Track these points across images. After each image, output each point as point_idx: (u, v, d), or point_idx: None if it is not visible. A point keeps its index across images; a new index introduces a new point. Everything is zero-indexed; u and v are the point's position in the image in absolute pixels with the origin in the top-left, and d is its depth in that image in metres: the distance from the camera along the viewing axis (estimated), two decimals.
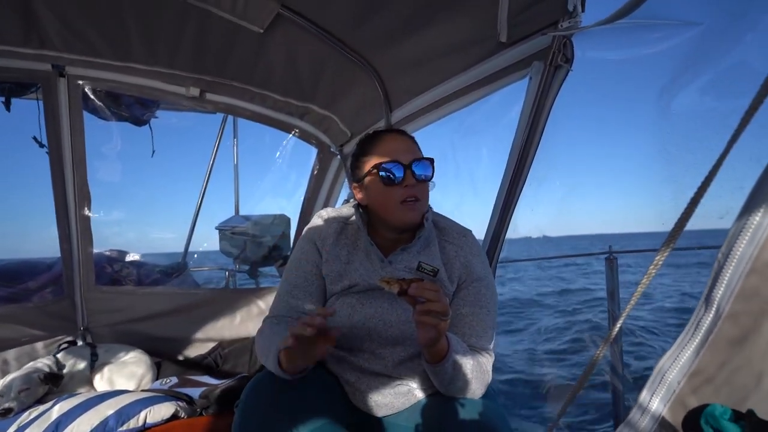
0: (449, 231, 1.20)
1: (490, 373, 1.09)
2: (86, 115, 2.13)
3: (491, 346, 1.11)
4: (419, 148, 1.18)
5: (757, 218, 0.74)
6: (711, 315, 0.83)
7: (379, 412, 1.12)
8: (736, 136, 0.63)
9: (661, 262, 0.87)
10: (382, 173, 1.10)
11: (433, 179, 1.27)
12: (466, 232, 1.21)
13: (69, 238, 2.12)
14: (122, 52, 1.95)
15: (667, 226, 0.85)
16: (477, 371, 1.02)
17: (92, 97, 2.18)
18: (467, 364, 1.00)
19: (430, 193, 1.31)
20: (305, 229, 1.24)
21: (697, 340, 0.86)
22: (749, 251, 0.76)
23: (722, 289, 0.81)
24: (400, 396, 1.12)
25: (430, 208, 1.22)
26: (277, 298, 1.18)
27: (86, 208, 2.13)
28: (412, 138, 1.20)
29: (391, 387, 1.12)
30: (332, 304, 1.15)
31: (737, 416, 0.82)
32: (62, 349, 1.98)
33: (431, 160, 1.13)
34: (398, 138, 1.17)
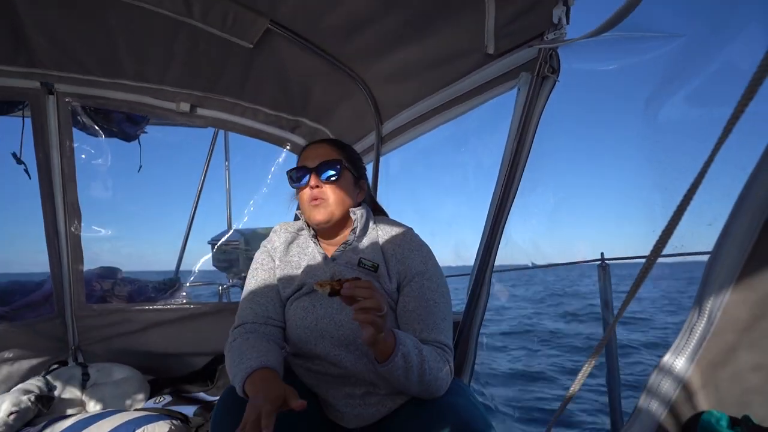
0: (388, 230, 1.24)
1: (451, 364, 1.07)
2: (75, 131, 2.13)
3: (447, 339, 1.09)
4: (341, 152, 1.24)
5: (744, 225, 0.75)
6: (703, 322, 0.84)
7: (350, 424, 1.12)
8: (719, 145, 0.64)
9: (650, 269, 0.87)
10: (291, 180, 1.23)
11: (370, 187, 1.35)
12: (405, 230, 1.24)
13: (59, 256, 2.09)
14: (112, 68, 1.95)
15: (658, 233, 0.86)
16: (432, 362, 1.00)
17: (81, 113, 2.18)
18: (419, 356, 0.98)
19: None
20: (263, 242, 1.31)
21: (690, 347, 0.87)
22: (737, 258, 0.77)
23: (713, 296, 0.81)
24: (369, 407, 1.11)
25: (365, 206, 1.27)
26: (240, 307, 1.21)
27: (76, 226, 2.11)
28: (333, 143, 1.27)
29: (358, 396, 1.11)
30: (288, 309, 1.18)
31: (734, 422, 0.83)
32: (53, 370, 1.94)
33: (340, 161, 1.20)
34: (314, 146, 1.26)
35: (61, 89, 2.01)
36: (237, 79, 2.02)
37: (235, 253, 2.72)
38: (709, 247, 0.81)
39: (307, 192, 1.18)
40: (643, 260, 0.85)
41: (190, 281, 3.00)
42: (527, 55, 1.40)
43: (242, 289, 2.97)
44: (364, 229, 1.23)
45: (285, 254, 1.24)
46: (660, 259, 0.83)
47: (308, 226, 1.25)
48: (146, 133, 2.61)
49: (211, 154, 3.36)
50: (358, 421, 1.11)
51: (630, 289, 0.90)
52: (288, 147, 2.46)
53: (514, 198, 1.50)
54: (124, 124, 2.46)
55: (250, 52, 1.76)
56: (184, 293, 2.68)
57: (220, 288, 3.19)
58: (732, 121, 0.63)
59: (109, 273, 2.44)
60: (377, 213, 1.37)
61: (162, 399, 1.94)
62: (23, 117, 2.02)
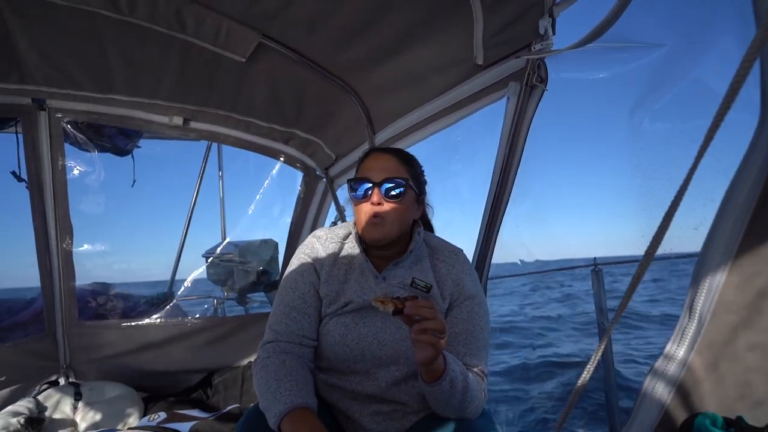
0: (441, 250, 1.21)
1: (486, 392, 1.08)
2: (67, 146, 2.12)
3: (485, 365, 1.11)
4: (408, 168, 1.16)
5: (728, 229, 0.77)
6: (695, 323, 0.85)
7: None
8: (702, 151, 0.66)
9: (644, 272, 0.88)
10: (351, 190, 1.15)
11: (429, 203, 1.29)
12: (458, 251, 1.22)
13: (50, 272, 2.07)
14: (104, 84, 1.95)
15: (647, 238, 0.87)
16: (473, 390, 1.01)
17: (73, 129, 2.17)
18: (464, 382, 0.99)
19: (432, 216, 1.34)
20: (301, 249, 1.22)
21: (683, 349, 0.88)
22: (724, 260, 0.79)
23: (702, 297, 0.83)
24: (394, 422, 1.10)
25: (419, 224, 1.22)
26: (274, 320, 1.14)
27: (68, 242, 2.10)
28: (400, 157, 1.18)
29: (384, 413, 1.11)
30: (325, 324, 1.13)
31: (728, 423, 0.84)
32: (43, 390, 1.91)
33: (406, 180, 1.12)
34: (378, 157, 1.17)
35: (53, 105, 2.01)
36: (230, 92, 2.03)
37: (230, 267, 2.70)
38: (697, 249, 0.83)
39: (367, 207, 1.11)
40: (635, 262, 0.87)
41: (185, 295, 2.97)
42: (516, 65, 1.43)
43: (237, 302, 2.97)
44: (417, 249, 1.19)
45: (332, 267, 1.16)
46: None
47: (358, 238, 1.18)
48: (140, 147, 2.61)
49: (204, 167, 3.36)
50: None
51: (625, 293, 0.91)
52: (282, 159, 2.47)
53: (506, 205, 1.52)
54: (116, 139, 2.45)
55: (243, 65, 1.77)
56: (179, 308, 2.66)
57: (215, 302, 3.16)
58: (713, 129, 0.65)
59: (102, 289, 2.42)
60: (426, 228, 1.33)
61: (156, 416, 1.91)
62: (16, 133, 2.02)
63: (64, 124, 2.07)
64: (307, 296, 1.14)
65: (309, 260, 1.18)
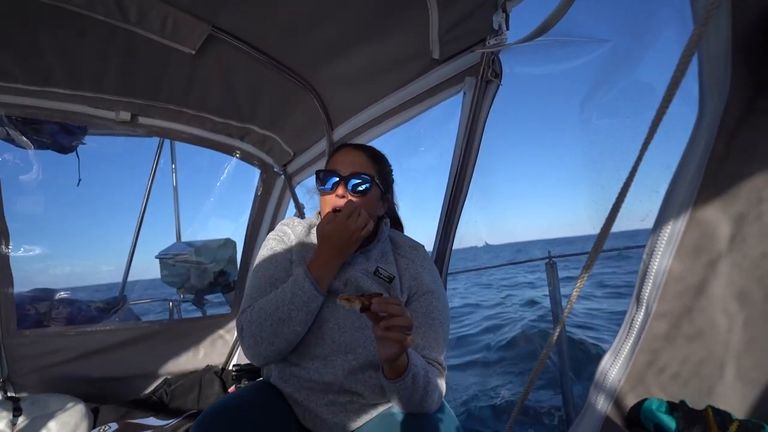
0: (402, 245, 1.25)
1: (444, 385, 1.10)
2: (0, 143, 1.96)
3: (444, 359, 1.12)
4: (375, 165, 1.22)
5: (671, 221, 0.80)
6: (642, 313, 0.88)
7: None
8: (646, 144, 0.68)
9: (592, 264, 0.90)
10: (320, 182, 1.19)
11: (396, 200, 1.35)
12: (417, 246, 1.26)
13: None
14: (39, 75, 1.81)
15: (597, 229, 0.89)
16: (433, 384, 1.02)
17: (7, 124, 2.01)
18: (425, 377, 1.00)
19: (399, 212, 1.40)
20: (272, 235, 1.25)
21: (632, 339, 0.91)
22: (668, 251, 0.82)
23: (649, 288, 0.86)
24: (351, 414, 1.10)
25: (386, 220, 1.27)
26: (253, 291, 1.14)
27: (3, 245, 1.94)
28: (370, 154, 1.23)
29: (341, 404, 1.10)
30: None
31: (672, 408, 0.87)
32: None
33: (372, 177, 1.17)
34: (349, 152, 1.22)
35: None
36: (180, 86, 1.93)
37: (186, 267, 2.60)
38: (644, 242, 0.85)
39: (332, 199, 1.16)
40: (586, 255, 0.88)
41: (138, 298, 2.83)
42: (471, 60, 1.44)
43: (194, 304, 2.86)
44: (383, 241, 1.24)
45: (301, 250, 1.19)
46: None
47: None
48: (84, 144, 2.45)
49: (156, 164, 3.20)
50: (339, 429, 1.10)
51: (575, 284, 0.93)
52: (238, 155, 2.39)
53: (464, 200, 1.53)
54: (58, 135, 2.29)
55: (193, 58, 1.69)
56: (131, 312, 2.53)
57: (170, 304, 3.03)
58: (656, 122, 0.67)
59: (44, 295, 2.26)
60: (395, 225, 1.38)
61: (107, 428, 1.82)
62: None
63: None
64: (288, 268, 1.17)
65: (282, 240, 1.23)
